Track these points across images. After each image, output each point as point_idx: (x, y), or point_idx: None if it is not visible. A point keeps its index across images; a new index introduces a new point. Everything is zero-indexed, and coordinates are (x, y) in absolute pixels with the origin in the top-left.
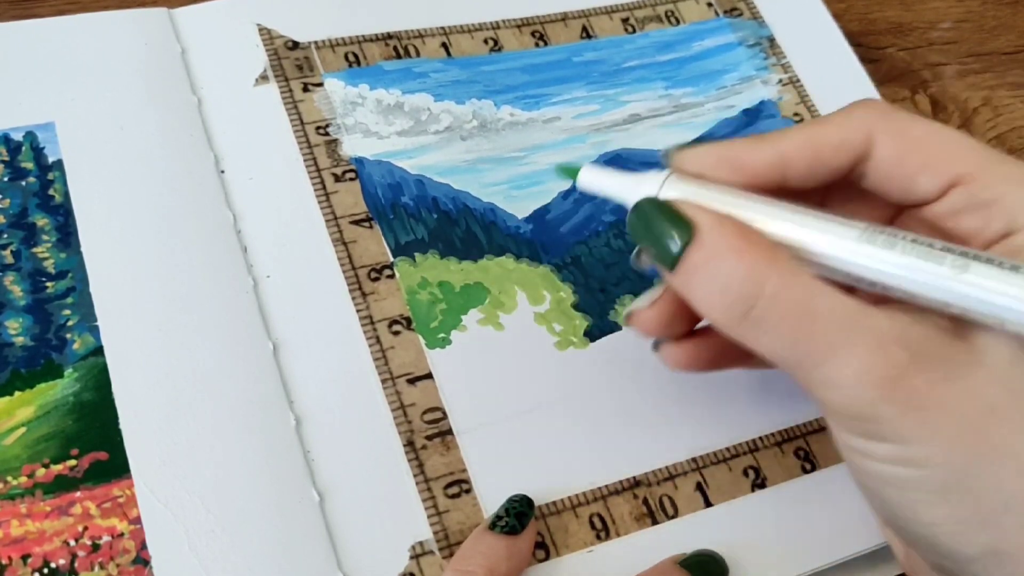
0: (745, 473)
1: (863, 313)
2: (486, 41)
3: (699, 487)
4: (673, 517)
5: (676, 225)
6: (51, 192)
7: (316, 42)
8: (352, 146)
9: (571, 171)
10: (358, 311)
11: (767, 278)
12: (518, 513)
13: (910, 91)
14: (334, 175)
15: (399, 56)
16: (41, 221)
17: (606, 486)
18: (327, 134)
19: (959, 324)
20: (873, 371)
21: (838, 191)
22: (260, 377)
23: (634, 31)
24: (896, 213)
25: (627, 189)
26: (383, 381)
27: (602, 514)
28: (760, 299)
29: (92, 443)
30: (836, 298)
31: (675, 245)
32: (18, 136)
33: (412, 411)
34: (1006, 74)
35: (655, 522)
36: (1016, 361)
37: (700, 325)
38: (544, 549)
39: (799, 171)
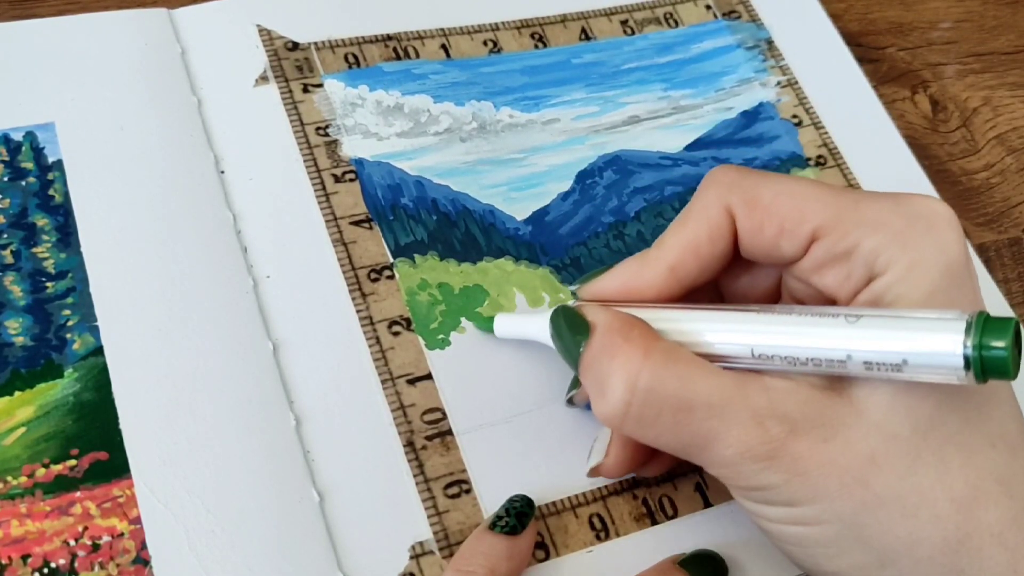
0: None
1: (739, 392)
2: (485, 43)
3: (698, 487)
4: (673, 517)
5: (575, 326)
6: (51, 192)
7: (316, 43)
8: (352, 147)
9: (485, 321)
10: (358, 312)
11: (639, 374)
12: (518, 513)
13: (910, 91)
14: (334, 176)
15: (399, 57)
16: (41, 221)
17: (606, 486)
18: (327, 135)
19: (836, 381)
20: (752, 448)
21: (725, 272)
22: (260, 377)
23: (633, 33)
24: (780, 275)
25: (539, 324)
26: (383, 381)
27: (602, 514)
28: (635, 395)
29: (92, 443)
30: (712, 379)
31: (576, 346)
32: (18, 136)
33: (412, 411)
34: (1006, 74)
35: (655, 522)
36: (891, 409)
37: None
38: (544, 549)
39: (690, 274)
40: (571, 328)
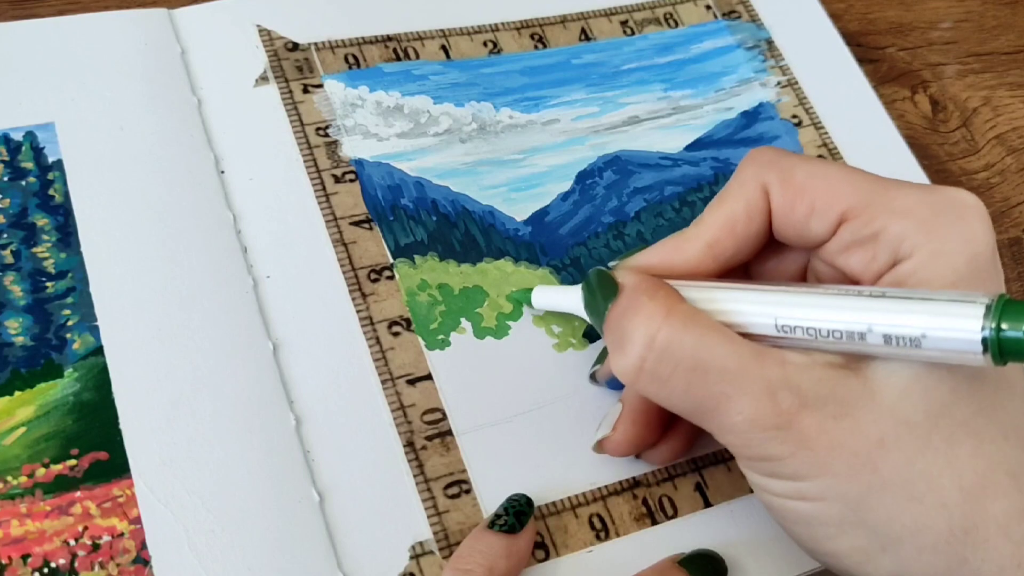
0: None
1: (755, 361)
2: (485, 43)
3: (698, 487)
4: (672, 517)
5: (606, 286)
6: (51, 192)
7: (316, 43)
8: (352, 148)
9: (523, 294)
10: (358, 312)
11: (658, 330)
12: (517, 512)
13: (910, 91)
14: (334, 176)
15: (399, 58)
16: (41, 221)
17: (606, 486)
18: (327, 135)
19: (854, 361)
20: (762, 417)
21: (755, 255)
22: (260, 377)
23: (633, 33)
24: (807, 259)
25: (574, 296)
26: (383, 382)
27: (602, 514)
28: (651, 351)
29: (92, 443)
30: (729, 346)
31: (605, 305)
32: (18, 136)
33: (412, 412)
34: (1006, 74)
35: (655, 522)
36: (907, 392)
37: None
38: (544, 549)
39: (726, 251)
40: (602, 288)
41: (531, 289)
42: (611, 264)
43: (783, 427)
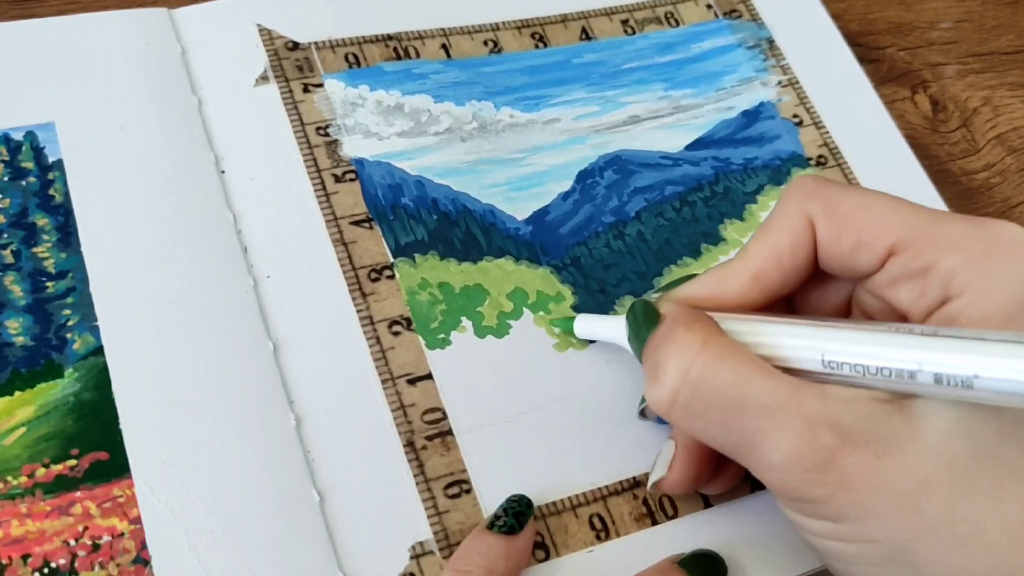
0: (745, 473)
1: (794, 396)
2: (486, 43)
3: None
4: (673, 517)
5: (648, 317)
6: (51, 192)
7: (316, 43)
8: (352, 147)
9: (565, 322)
10: (358, 311)
11: (693, 363)
12: (516, 513)
13: (910, 91)
14: (334, 176)
15: (399, 57)
16: (41, 221)
17: (606, 486)
18: (327, 135)
19: (898, 398)
20: (802, 456)
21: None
22: (260, 377)
23: (634, 33)
24: (852, 290)
25: (617, 324)
26: (383, 381)
27: (602, 514)
28: (686, 384)
29: (92, 443)
30: (767, 380)
31: (646, 334)
32: (18, 136)
33: (412, 411)
34: (1006, 74)
35: (655, 522)
36: (952, 433)
37: None
38: (544, 549)
39: (772, 284)
40: (645, 318)
41: (573, 318)
42: (654, 295)
43: (822, 466)
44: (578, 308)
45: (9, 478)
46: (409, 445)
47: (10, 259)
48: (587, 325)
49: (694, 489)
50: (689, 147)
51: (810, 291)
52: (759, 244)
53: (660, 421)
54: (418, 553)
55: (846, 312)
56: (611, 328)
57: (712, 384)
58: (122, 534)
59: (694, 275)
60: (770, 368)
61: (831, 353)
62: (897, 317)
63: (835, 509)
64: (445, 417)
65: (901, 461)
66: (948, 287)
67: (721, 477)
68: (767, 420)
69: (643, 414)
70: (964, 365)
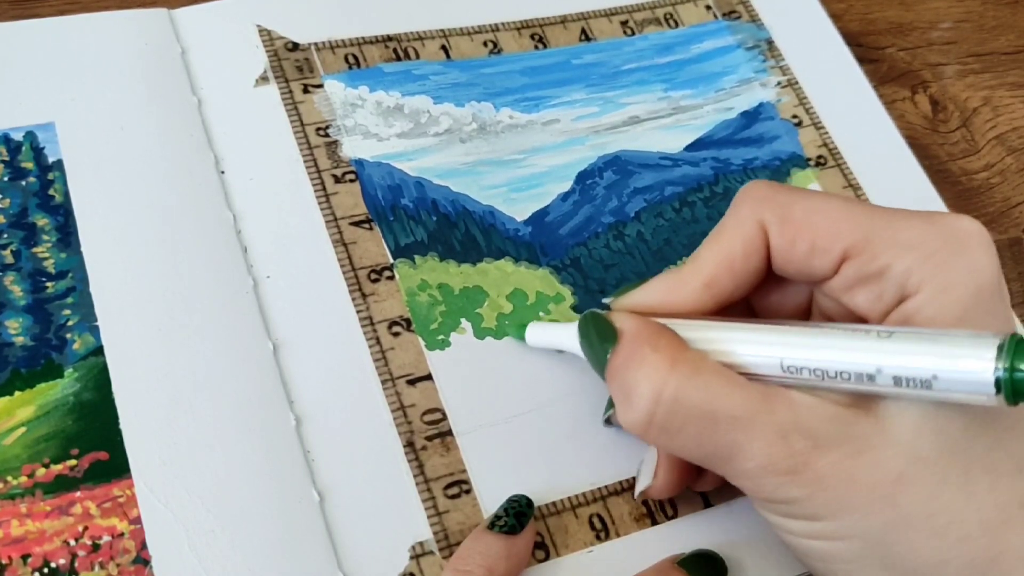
0: None
1: (765, 406)
2: (485, 43)
3: None
4: (673, 517)
5: (603, 332)
6: (51, 192)
7: (316, 43)
8: (352, 148)
9: (518, 330)
10: (358, 312)
11: (664, 384)
12: (517, 513)
13: (910, 91)
14: (334, 176)
15: (399, 58)
16: (41, 221)
17: (606, 486)
18: (327, 135)
19: (863, 400)
20: (775, 462)
21: (757, 288)
22: (260, 377)
23: (633, 34)
24: (811, 292)
25: (570, 333)
26: (383, 382)
27: (602, 514)
28: (660, 405)
29: (92, 443)
30: (737, 392)
31: (604, 352)
32: (18, 136)
33: (412, 412)
34: (1006, 74)
35: (655, 522)
36: (919, 430)
37: None
38: (544, 549)
39: (725, 290)
40: (599, 334)
41: (525, 325)
42: (604, 300)
43: (796, 470)
44: (578, 308)
45: (9, 478)
46: (409, 445)
47: (10, 259)
48: (539, 334)
49: (681, 491)
50: (689, 148)
51: (769, 294)
52: (711, 250)
53: None
54: (418, 553)
55: (806, 314)
56: (563, 337)
57: (685, 403)
58: (122, 534)
59: (642, 281)
60: (738, 379)
61: (790, 359)
62: (855, 320)
63: (812, 508)
64: (445, 417)
65: (875, 457)
66: (904, 287)
67: (708, 474)
68: (740, 432)
69: (608, 422)
70: (922, 366)
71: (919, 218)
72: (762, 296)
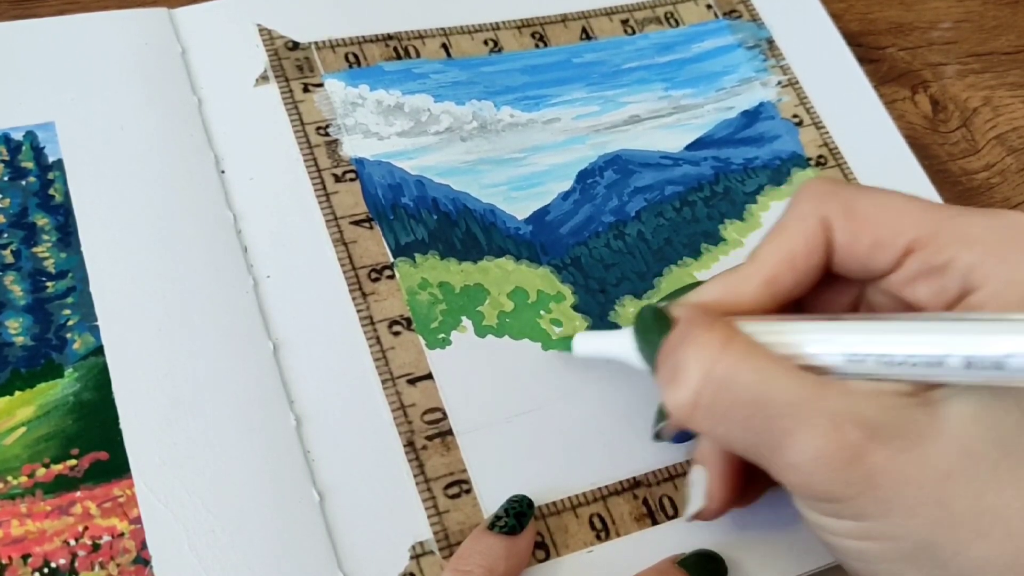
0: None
1: (818, 393)
2: (486, 42)
3: None
4: (673, 517)
5: (660, 322)
6: (51, 192)
7: (316, 43)
8: (352, 147)
9: (563, 342)
10: (358, 311)
11: (715, 363)
12: (517, 513)
13: (910, 91)
14: (334, 175)
15: (399, 57)
16: (41, 221)
17: (606, 486)
18: (327, 134)
19: (921, 390)
20: (828, 454)
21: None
22: (260, 377)
23: (634, 33)
24: (861, 290)
25: (619, 340)
26: (383, 381)
27: (602, 514)
28: (708, 384)
29: (92, 443)
30: (790, 379)
31: (658, 340)
32: (18, 136)
33: (412, 411)
34: (1006, 74)
35: (655, 522)
36: (973, 422)
37: None
38: (544, 549)
39: (785, 287)
40: (657, 323)
41: (570, 338)
42: (660, 303)
43: (850, 463)
44: (578, 307)
45: (9, 478)
46: (409, 445)
47: (10, 259)
48: (587, 343)
49: (730, 509)
50: (689, 147)
51: (819, 295)
52: (772, 247)
53: (677, 440)
54: (418, 553)
55: (854, 312)
56: (613, 343)
57: (736, 382)
58: (122, 534)
59: (699, 283)
60: (792, 366)
61: (855, 345)
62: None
63: (859, 508)
64: (445, 417)
65: (924, 454)
66: (968, 281)
67: (750, 489)
68: (791, 419)
69: (658, 436)
70: (995, 344)
71: (980, 214)
72: (812, 297)
